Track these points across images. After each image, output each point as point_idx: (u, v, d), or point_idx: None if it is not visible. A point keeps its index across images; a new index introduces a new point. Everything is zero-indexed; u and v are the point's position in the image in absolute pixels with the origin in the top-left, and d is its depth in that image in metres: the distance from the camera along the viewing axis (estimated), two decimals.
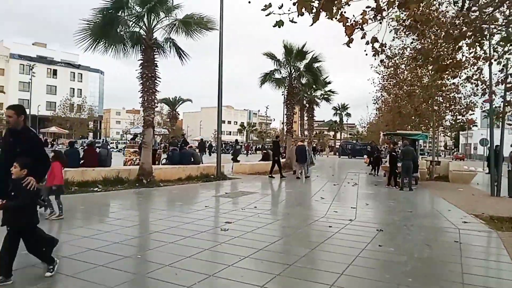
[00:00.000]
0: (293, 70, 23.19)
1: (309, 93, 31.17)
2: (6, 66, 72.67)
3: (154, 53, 12.97)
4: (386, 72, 20.78)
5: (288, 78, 23.42)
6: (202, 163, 19.24)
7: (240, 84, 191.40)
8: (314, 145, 44.45)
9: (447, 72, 9.28)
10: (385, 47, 5.11)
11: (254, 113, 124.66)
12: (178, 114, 56.55)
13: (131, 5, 12.34)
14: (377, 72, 21.12)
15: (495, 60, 8.72)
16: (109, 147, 15.09)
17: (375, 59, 5.16)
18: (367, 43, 4.81)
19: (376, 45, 4.97)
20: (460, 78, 16.41)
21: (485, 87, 8.84)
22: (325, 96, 33.53)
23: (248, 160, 25.95)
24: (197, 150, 21.83)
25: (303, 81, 25.58)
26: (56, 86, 79.52)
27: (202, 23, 12.90)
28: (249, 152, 55.13)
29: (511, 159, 15.13)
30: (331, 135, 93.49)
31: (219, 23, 15.87)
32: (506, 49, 8.82)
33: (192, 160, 16.52)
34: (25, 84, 70.51)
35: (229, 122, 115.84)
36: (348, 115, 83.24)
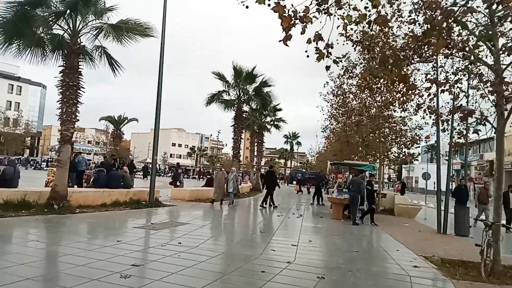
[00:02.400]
0: (242, 93, 22.29)
1: (259, 118, 30.43)
2: None
3: (79, 60, 11.31)
4: (335, 101, 20.46)
5: (236, 100, 22.44)
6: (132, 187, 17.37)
7: (194, 107, 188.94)
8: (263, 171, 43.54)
9: (399, 95, 8.59)
10: (332, 48, 4.15)
11: (206, 137, 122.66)
12: (123, 134, 53.46)
13: (51, 3, 10.67)
14: (326, 100, 20.77)
15: (446, 90, 8.18)
16: (17, 164, 12.83)
17: (318, 61, 4.18)
18: (309, 41, 3.75)
19: (321, 45, 3.92)
20: (411, 106, 16.30)
21: (436, 115, 8.23)
22: (275, 123, 32.97)
23: (198, 186, 24.23)
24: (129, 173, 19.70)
25: (253, 105, 24.80)
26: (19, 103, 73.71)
27: (137, 29, 11.50)
28: (201, 177, 52.73)
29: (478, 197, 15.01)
30: (282, 162, 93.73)
31: (161, 33, 14.64)
32: (456, 78, 8.36)
33: (122, 183, 14.63)
34: None
35: (180, 145, 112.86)
36: (299, 143, 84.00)
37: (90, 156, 42.53)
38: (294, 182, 31.43)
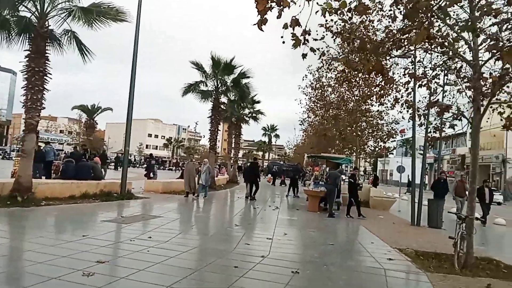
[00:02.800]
0: (219, 84, 21.86)
1: (237, 110, 30.10)
2: None
3: (46, 44, 10.68)
4: (314, 94, 20.39)
5: (214, 91, 22.01)
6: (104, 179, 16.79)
7: (171, 98, 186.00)
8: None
9: (377, 89, 8.50)
10: (309, 34, 3.92)
11: (183, 129, 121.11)
12: (96, 124, 51.93)
13: None
14: (305, 93, 20.66)
15: (424, 85, 8.14)
16: None
17: (294, 48, 3.96)
18: (285, 26, 3.50)
19: (298, 31, 3.68)
20: (388, 100, 16.41)
21: (413, 110, 8.19)
22: (253, 115, 32.71)
23: (173, 178, 23.73)
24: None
25: (231, 97, 24.42)
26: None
27: (109, 13, 10.93)
28: (177, 168, 51.71)
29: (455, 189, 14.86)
30: (260, 155, 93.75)
31: (136, 20, 14.09)
32: (434, 73, 8.31)
33: (92, 175, 14.07)
34: None
35: (156, 136, 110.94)
36: (277, 136, 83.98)
37: (61, 147, 41.05)
38: (269, 175, 31.46)
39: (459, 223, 7.39)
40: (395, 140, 21.50)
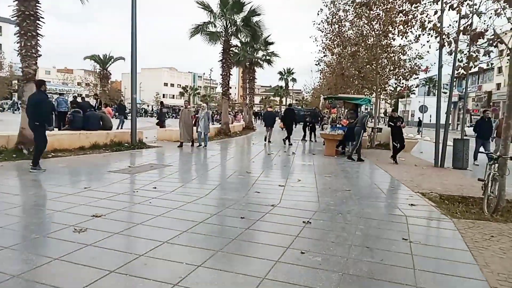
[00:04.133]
0: (229, 24, 20.55)
1: (249, 53, 28.79)
2: None
3: None
4: (330, 30, 18.91)
5: (223, 32, 20.77)
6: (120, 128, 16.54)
7: (186, 46, 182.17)
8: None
9: (400, 17, 7.42)
10: None
11: (199, 76, 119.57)
12: (110, 74, 51.45)
13: None
14: (320, 30, 19.17)
15: (455, 8, 7.00)
16: None
17: None
18: None
19: None
20: (411, 32, 15.02)
21: (444, 36, 7.11)
22: (267, 58, 31.32)
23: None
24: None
25: (242, 38, 23.13)
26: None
27: None
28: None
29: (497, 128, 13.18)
30: (277, 100, 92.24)
31: None
32: None
33: (102, 125, 13.73)
34: None
35: (172, 85, 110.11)
36: (294, 80, 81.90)
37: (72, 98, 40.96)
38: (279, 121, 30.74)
39: (490, 164, 6.67)
40: (417, 78, 20.05)
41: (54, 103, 16.96)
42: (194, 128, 14.98)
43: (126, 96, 74.48)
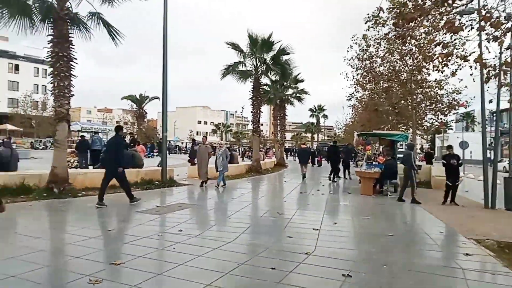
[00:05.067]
0: (258, 63, 20.70)
1: (279, 91, 28.86)
2: None
3: (68, 27, 10.17)
4: (361, 66, 18.57)
5: (253, 71, 20.91)
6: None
7: (219, 85, 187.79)
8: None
9: (438, 49, 6.97)
10: None
11: (231, 114, 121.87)
12: (146, 113, 53.21)
13: None
14: (351, 66, 18.88)
15: (498, 39, 6.46)
16: (14, 146, 12.16)
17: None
18: None
19: None
20: (446, 67, 14.39)
21: (490, 69, 6.54)
22: (297, 95, 31.26)
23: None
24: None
25: (272, 77, 23.22)
26: (18, 82, 74.37)
27: None
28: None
29: None
30: (308, 136, 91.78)
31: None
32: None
33: (133, 163, 13.71)
34: None
35: (205, 123, 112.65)
36: (325, 116, 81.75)
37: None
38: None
39: None
40: (457, 113, 19.12)
41: (89, 141, 17.39)
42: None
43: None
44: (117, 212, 8.55)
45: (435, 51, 10.43)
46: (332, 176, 17.59)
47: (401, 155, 13.26)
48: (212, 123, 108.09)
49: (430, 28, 9.56)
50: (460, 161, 11.80)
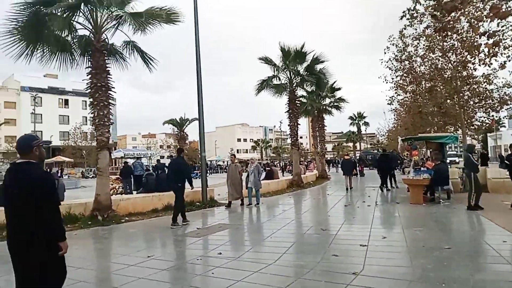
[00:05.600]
0: (293, 75, 20.47)
1: (316, 101, 28.38)
2: (17, 99, 73.31)
3: (105, 58, 10.52)
4: (400, 67, 17.80)
5: (288, 84, 20.70)
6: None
7: (256, 101, 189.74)
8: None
9: (483, 39, 6.40)
10: None
11: (270, 129, 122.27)
12: (187, 135, 54.31)
13: None
14: (389, 68, 18.15)
15: None
16: (59, 176, 12.65)
17: None
18: None
19: None
20: (494, 59, 13.49)
21: None
22: (335, 104, 30.56)
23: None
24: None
25: (307, 87, 22.88)
26: (68, 116, 79.34)
27: (161, 15, 10.37)
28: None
29: None
30: (350, 146, 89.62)
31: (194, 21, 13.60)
32: None
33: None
34: (37, 115, 70.97)
35: (245, 140, 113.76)
36: (366, 124, 79.17)
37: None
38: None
39: None
40: (509, 108, 17.76)
41: (131, 167, 17.86)
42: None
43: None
44: (158, 236, 8.52)
45: (481, 42, 9.61)
46: (382, 186, 17.15)
47: (453, 159, 12.28)
48: (251, 140, 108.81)
49: (472, 20, 8.86)
50: None
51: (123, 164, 19.76)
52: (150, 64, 11.90)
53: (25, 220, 3.07)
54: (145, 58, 11.78)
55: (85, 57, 11.10)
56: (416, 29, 14.83)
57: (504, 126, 66.85)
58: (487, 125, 18.99)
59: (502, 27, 6.00)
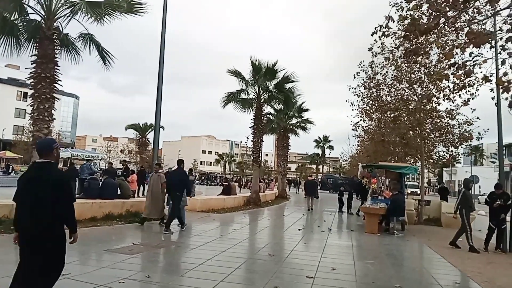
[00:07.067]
0: (261, 91, 20.09)
1: (283, 120, 28.18)
2: None
3: (55, 47, 9.58)
4: (367, 95, 17.82)
5: (256, 99, 20.28)
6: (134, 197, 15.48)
7: (225, 115, 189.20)
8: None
9: (451, 71, 6.14)
10: None
11: (236, 144, 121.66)
12: (149, 141, 52.63)
13: None
14: (357, 94, 18.14)
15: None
16: (13, 173, 11.35)
17: None
18: None
19: None
20: (458, 96, 13.63)
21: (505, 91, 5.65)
22: (302, 125, 30.49)
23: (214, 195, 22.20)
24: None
25: (275, 106, 22.58)
26: (25, 110, 75.08)
27: (121, 6, 9.60)
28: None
29: None
30: (313, 168, 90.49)
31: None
32: None
33: (119, 193, 12.81)
34: None
35: (210, 152, 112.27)
36: (331, 147, 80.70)
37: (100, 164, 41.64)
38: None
39: None
40: (470, 145, 18.13)
41: (77, 169, 16.59)
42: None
43: (165, 163, 76.10)
44: (86, 250, 7.54)
45: (448, 73, 9.47)
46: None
47: (414, 189, 11.96)
48: (216, 153, 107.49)
49: (445, 47, 8.75)
50: (509, 202, 9.79)
51: (67, 166, 18.37)
52: (107, 60, 11.07)
53: (44, 213, 3.45)
54: (102, 53, 10.93)
55: (32, 44, 10.09)
56: (385, 58, 14.84)
57: (460, 162, 69.88)
58: (444, 159, 19.24)
59: (474, 57, 5.78)
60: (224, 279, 5.71)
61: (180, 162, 11.21)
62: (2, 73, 72.93)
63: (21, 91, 76.41)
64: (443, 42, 9.63)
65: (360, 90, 17.97)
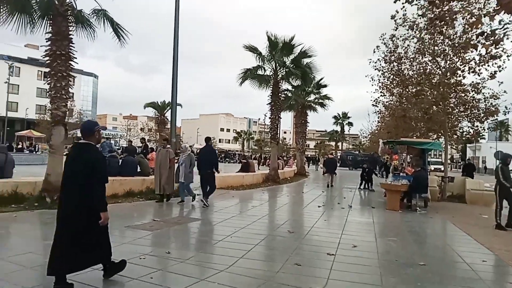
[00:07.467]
0: (278, 66, 19.67)
1: (301, 97, 27.70)
2: None
3: (69, 24, 9.48)
4: (388, 69, 17.20)
5: (273, 75, 19.90)
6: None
7: (241, 94, 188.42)
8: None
9: (480, 39, 5.73)
10: None
11: (254, 121, 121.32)
12: (167, 120, 52.91)
13: None
14: (377, 69, 17.53)
15: None
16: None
17: None
18: None
19: None
20: (484, 69, 13.00)
21: None
22: (320, 101, 29.95)
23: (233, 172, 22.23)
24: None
25: (293, 81, 22.14)
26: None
27: None
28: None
29: None
30: (332, 145, 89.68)
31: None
32: None
33: (139, 170, 12.94)
34: (14, 86, 68.26)
35: (228, 130, 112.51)
36: (350, 124, 79.48)
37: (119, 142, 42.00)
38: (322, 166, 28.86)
39: None
40: (496, 119, 17.40)
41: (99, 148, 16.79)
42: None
43: (184, 141, 76.68)
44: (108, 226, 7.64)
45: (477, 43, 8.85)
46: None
47: (438, 166, 11.52)
48: (234, 131, 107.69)
49: (472, 16, 8.21)
50: None
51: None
52: (122, 37, 10.94)
53: (80, 190, 3.77)
54: (116, 29, 10.78)
55: (46, 21, 10.02)
56: (408, 30, 14.20)
57: (484, 138, 67.86)
58: (469, 135, 18.58)
59: (505, 24, 5.34)
60: (244, 255, 5.67)
61: (208, 139, 11.40)
62: (22, 53, 73.90)
63: (41, 71, 77.43)
64: (470, 11, 9.03)
65: (380, 64, 17.37)
